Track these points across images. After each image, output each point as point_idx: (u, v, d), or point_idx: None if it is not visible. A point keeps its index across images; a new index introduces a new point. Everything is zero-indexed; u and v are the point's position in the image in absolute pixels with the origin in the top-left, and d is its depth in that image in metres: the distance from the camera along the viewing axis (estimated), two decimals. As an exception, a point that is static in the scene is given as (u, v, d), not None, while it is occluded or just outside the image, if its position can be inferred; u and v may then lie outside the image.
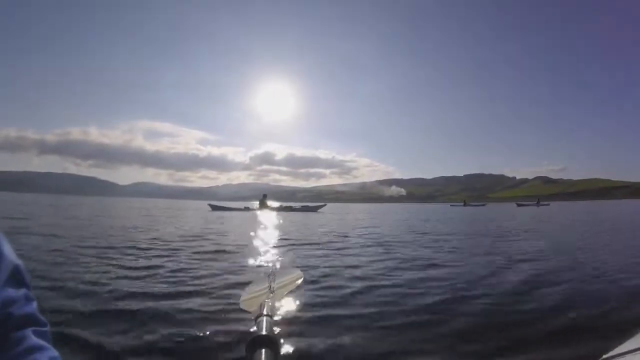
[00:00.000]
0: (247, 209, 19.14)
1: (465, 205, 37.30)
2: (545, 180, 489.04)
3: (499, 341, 1.73)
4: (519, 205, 32.93)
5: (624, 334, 0.89)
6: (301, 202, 17.80)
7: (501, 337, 1.76)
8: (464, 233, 7.61)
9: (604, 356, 0.77)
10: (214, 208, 19.10)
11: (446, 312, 2.18)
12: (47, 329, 0.54)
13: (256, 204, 18.92)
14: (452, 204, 49.68)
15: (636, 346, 0.75)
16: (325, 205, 21.07)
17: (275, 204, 19.54)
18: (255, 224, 9.53)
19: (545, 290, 2.66)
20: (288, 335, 1.64)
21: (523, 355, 1.56)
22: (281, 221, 10.79)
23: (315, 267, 3.45)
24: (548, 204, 36.79)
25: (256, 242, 5.34)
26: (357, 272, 3.22)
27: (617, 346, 0.81)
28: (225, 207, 19.38)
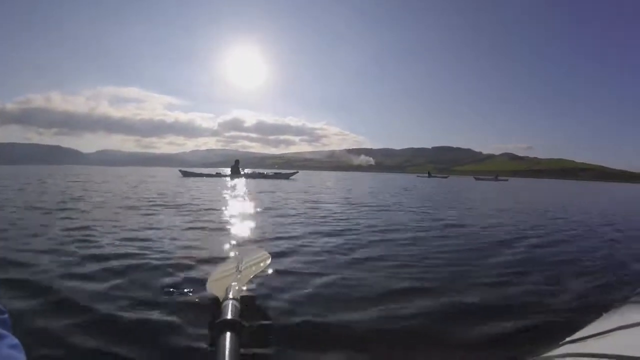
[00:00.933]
0: (218, 174, 19.19)
1: (429, 176, 39.28)
2: (512, 157, 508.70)
3: (456, 327, 1.60)
4: (476, 179, 34.67)
5: (587, 319, 0.90)
6: (271, 169, 17.58)
7: (459, 323, 1.64)
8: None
9: (567, 339, 0.78)
10: (185, 174, 18.87)
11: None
12: (7, 316, 0.52)
13: (227, 170, 18.95)
14: (418, 174, 51.38)
15: (600, 330, 0.75)
16: (297, 172, 21.34)
17: (248, 171, 19.68)
18: (230, 191, 9.55)
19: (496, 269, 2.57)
20: (254, 319, 1.55)
21: (485, 343, 1.46)
22: (254, 188, 10.86)
23: (285, 240, 3.26)
24: (506, 179, 39.12)
25: (230, 212, 5.14)
26: (326, 249, 3.01)
27: (579, 330, 0.82)
28: (196, 174, 19.30)
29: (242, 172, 18.75)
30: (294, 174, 20.29)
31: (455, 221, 4.94)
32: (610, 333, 0.72)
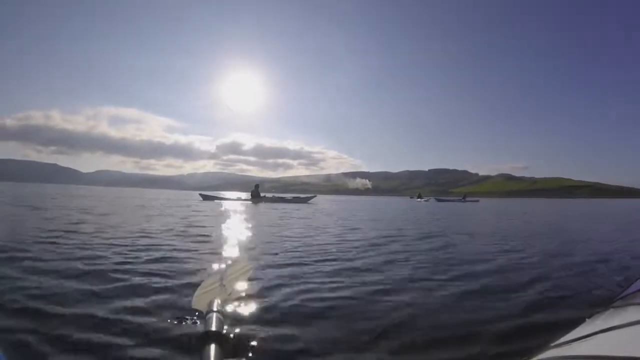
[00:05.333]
0: (239, 198, 19.13)
1: (419, 197, 38.60)
2: (508, 177, 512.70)
3: (441, 334, 1.69)
4: (437, 200, 33.09)
5: (572, 323, 0.94)
6: (267, 192, 17.63)
7: (444, 331, 1.72)
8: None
9: (552, 343, 0.80)
10: (205, 198, 18.87)
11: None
12: None
13: (237, 194, 18.82)
14: (410, 197, 50.90)
15: (583, 334, 0.78)
16: (315, 196, 21.32)
17: (269, 195, 19.60)
18: (260, 217, 9.40)
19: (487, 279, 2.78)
20: (238, 331, 1.61)
21: (472, 348, 1.54)
22: (277, 213, 10.61)
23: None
24: (477, 200, 35.86)
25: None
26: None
27: (565, 334, 0.84)
28: (217, 197, 19.24)
29: (262, 196, 18.68)
30: (312, 197, 20.28)
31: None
32: (593, 336, 0.75)
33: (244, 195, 22.16)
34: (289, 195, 20.92)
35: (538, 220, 10.37)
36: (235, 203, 16.33)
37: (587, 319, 0.97)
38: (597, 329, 0.78)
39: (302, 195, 20.75)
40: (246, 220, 8.01)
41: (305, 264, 3.17)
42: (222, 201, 17.61)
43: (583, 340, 0.75)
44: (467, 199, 32.91)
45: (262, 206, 14.24)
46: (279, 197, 19.19)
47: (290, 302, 2.06)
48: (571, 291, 2.44)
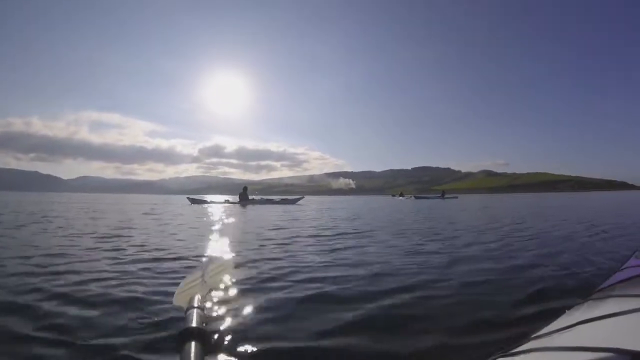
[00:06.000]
0: (227, 201, 19.18)
1: (401, 195, 40.46)
2: (489, 174, 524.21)
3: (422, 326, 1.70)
4: (416, 197, 33.92)
5: (552, 314, 0.96)
6: (250, 195, 17.74)
7: (422, 325, 1.73)
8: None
9: (533, 335, 0.81)
10: (193, 202, 18.85)
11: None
12: None
13: (222, 197, 18.75)
14: (392, 195, 50.74)
15: (562, 325, 0.80)
16: (303, 197, 21.56)
17: (257, 197, 19.70)
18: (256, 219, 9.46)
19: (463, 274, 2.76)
20: (219, 327, 1.61)
21: (451, 341, 1.54)
22: (269, 214, 10.72)
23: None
24: (456, 197, 36.40)
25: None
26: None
27: (545, 326, 0.86)
28: (205, 201, 19.26)
29: (250, 198, 18.79)
30: (300, 199, 20.50)
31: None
32: (572, 328, 0.77)
33: (231, 198, 22.20)
34: (277, 197, 21.04)
35: (493, 214, 10.53)
36: (224, 206, 16.36)
37: (566, 311, 0.99)
38: (576, 321, 0.80)
39: (290, 197, 20.91)
40: (243, 221, 8.07)
41: (288, 261, 3.20)
42: (211, 204, 17.65)
43: (563, 331, 0.77)
44: (446, 195, 32.87)
45: (252, 208, 14.33)
46: (267, 199, 19.28)
47: (271, 297, 2.07)
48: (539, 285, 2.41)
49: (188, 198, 19.72)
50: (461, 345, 1.51)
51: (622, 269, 1.29)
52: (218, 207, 15.00)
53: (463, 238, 4.89)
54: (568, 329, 0.77)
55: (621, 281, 1.10)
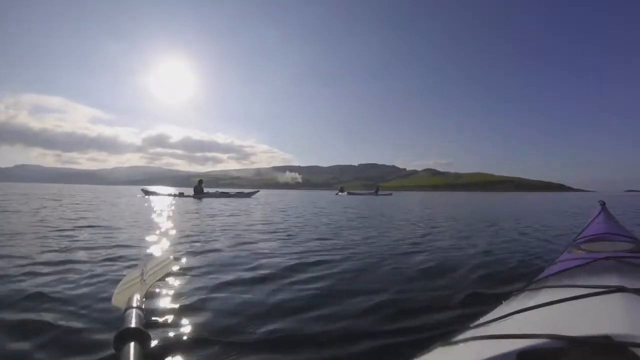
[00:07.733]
0: (181, 194, 19.22)
1: (341, 191, 38.72)
2: (434, 172, 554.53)
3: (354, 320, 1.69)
4: (349, 193, 33.43)
5: (491, 303, 1.00)
6: (208, 188, 17.81)
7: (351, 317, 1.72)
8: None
9: (471, 324, 0.85)
10: (147, 193, 18.50)
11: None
12: None
13: (169, 189, 18.65)
14: (335, 192, 52.75)
15: (499, 314, 0.83)
16: (258, 191, 22.14)
17: (212, 191, 19.93)
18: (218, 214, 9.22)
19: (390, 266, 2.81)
20: (159, 327, 1.54)
21: (397, 336, 1.52)
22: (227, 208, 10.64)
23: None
24: (390, 194, 36.64)
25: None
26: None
27: (483, 316, 0.89)
28: (158, 193, 19.05)
29: (205, 192, 19.00)
30: (255, 192, 20.93)
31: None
32: (508, 317, 0.80)
33: (176, 190, 21.90)
34: (232, 191, 21.38)
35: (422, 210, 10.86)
36: (181, 199, 16.17)
37: (503, 301, 1.02)
38: (512, 310, 0.83)
39: (245, 190, 21.32)
40: (196, 216, 7.62)
41: (229, 254, 3.15)
42: (165, 197, 17.57)
43: (500, 320, 0.80)
44: (380, 192, 32.52)
45: (208, 202, 14.15)
46: (222, 193, 19.47)
47: (212, 294, 2.00)
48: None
49: (142, 189, 19.42)
50: (396, 343, 1.48)
51: (556, 262, 1.37)
52: (174, 200, 14.84)
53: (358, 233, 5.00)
54: (505, 318, 0.80)
55: (555, 273, 1.16)
